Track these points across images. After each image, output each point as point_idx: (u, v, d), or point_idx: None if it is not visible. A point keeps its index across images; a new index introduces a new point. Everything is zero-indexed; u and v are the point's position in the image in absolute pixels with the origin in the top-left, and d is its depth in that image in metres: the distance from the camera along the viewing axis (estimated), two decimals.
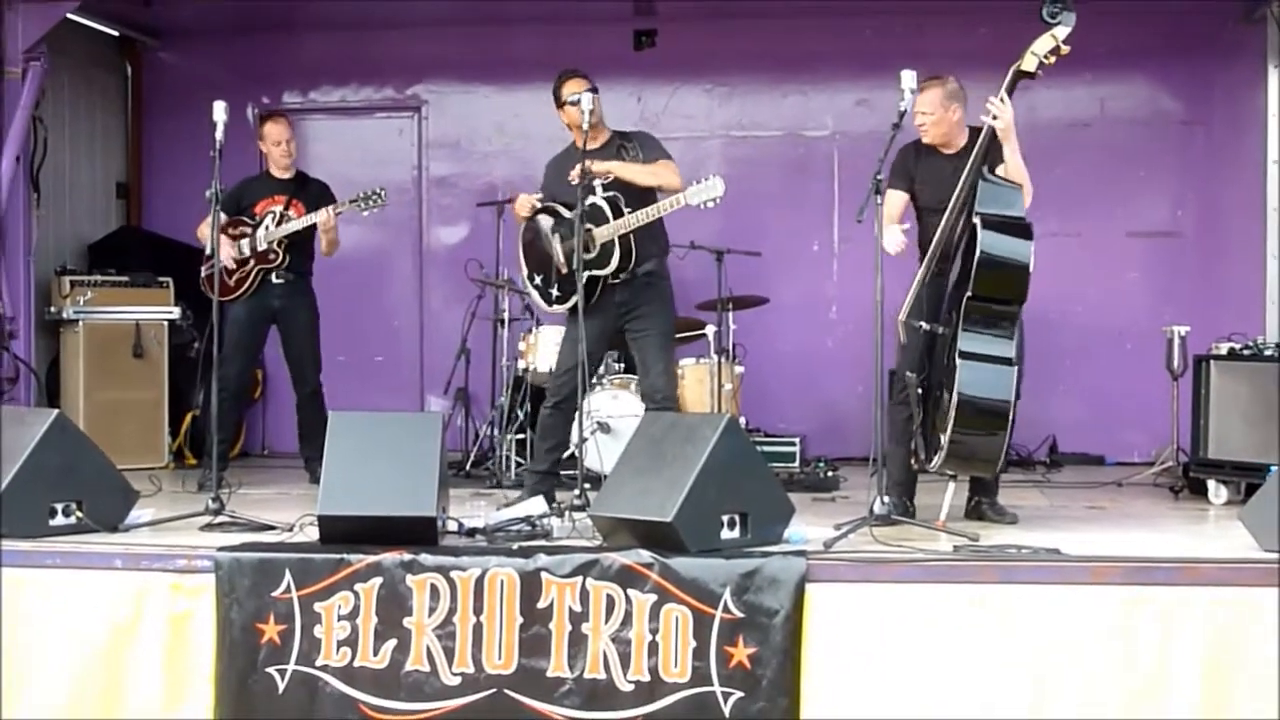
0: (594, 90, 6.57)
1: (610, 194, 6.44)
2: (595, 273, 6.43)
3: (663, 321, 6.60)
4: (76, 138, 9.44)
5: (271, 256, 7.75)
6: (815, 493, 7.44)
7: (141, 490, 6.35)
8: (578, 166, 6.35)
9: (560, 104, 6.61)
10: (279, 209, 7.81)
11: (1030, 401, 8.64)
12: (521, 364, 8.12)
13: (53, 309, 8.76)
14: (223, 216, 7.57)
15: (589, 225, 6.39)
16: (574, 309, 6.42)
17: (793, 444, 8.38)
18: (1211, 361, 7.33)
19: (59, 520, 5.69)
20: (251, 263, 7.77)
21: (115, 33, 9.77)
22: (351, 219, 8.46)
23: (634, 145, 6.59)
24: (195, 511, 6.05)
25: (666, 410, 6.30)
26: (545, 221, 6.70)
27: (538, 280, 6.77)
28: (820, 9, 9.19)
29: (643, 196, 6.42)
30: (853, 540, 5.36)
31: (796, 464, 8.19)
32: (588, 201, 6.37)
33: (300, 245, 7.84)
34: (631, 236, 6.42)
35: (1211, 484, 7.14)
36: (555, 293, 6.69)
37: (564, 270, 6.61)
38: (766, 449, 8.10)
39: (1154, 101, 9.38)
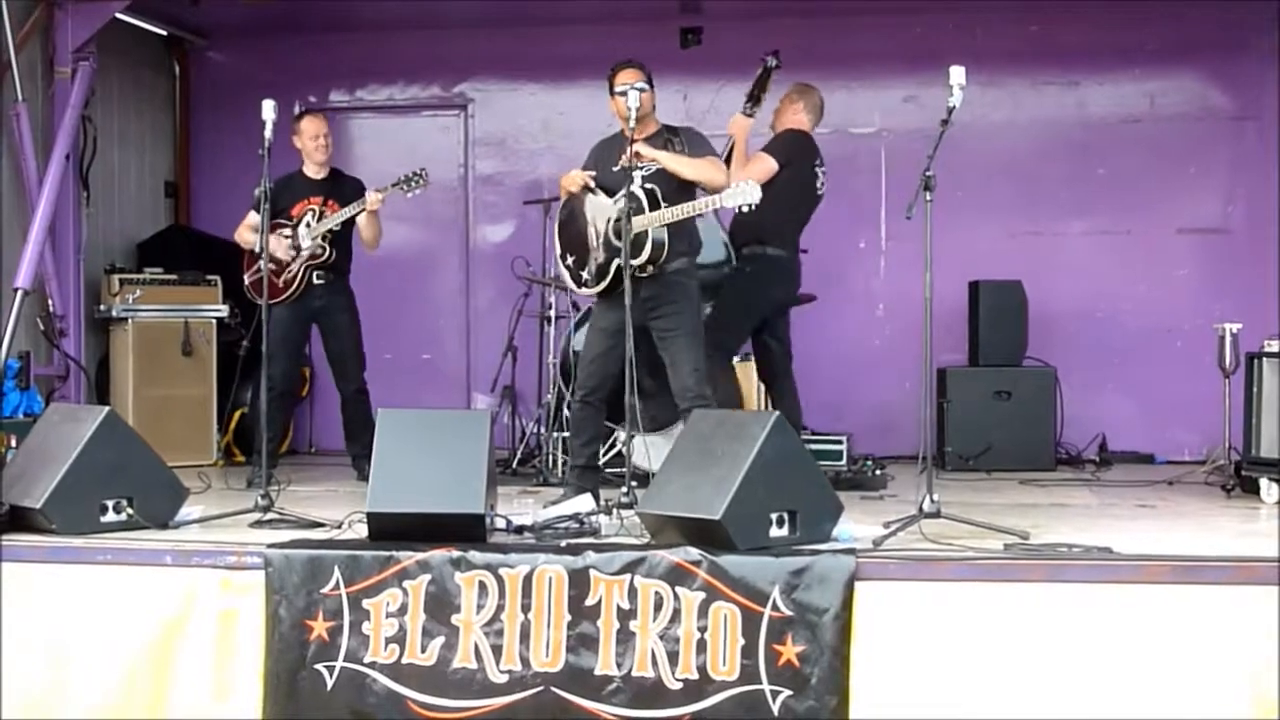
0: (649, 81, 6.50)
1: (649, 186, 6.35)
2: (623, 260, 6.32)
3: (690, 320, 6.51)
4: (125, 137, 9.52)
5: (319, 252, 7.76)
6: (863, 491, 7.39)
7: (191, 487, 6.38)
8: (629, 149, 6.28)
9: (612, 92, 6.55)
10: (316, 208, 7.80)
11: (1080, 399, 8.71)
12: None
13: (102, 307, 8.83)
14: (255, 218, 7.63)
15: (630, 210, 6.24)
16: (603, 295, 6.49)
17: (840, 442, 8.31)
18: (1264, 359, 7.24)
19: (110, 517, 5.74)
20: (298, 261, 7.79)
21: (164, 32, 9.85)
22: (397, 217, 8.51)
23: (681, 140, 6.52)
24: (244, 509, 6.07)
25: (700, 409, 6.22)
26: (584, 201, 6.66)
27: (569, 261, 6.71)
28: (867, 6, 9.16)
29: (681, 192, 6.35)
30: (902, 538, 5.31)
31: (844, 462, 8.14)
32: (628, 189, 6.26)
33: (341, 243, 7.84)
34: (666, 231, 6.33)
35: (1264, 482, 7.05)
36: (586, 275, 6.62)
37: (599, 257, 6.56)
38: (814, 447, 8.03)
39: (1204, 97, 9.30)
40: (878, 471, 7.75)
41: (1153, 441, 9.01)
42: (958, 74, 5.62)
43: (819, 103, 7.69)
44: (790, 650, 4.88)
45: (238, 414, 9.01)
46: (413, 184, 7.62)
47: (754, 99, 7.50)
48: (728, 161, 7.13)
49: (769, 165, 7.24)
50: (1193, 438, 8.78)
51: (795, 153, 7.38)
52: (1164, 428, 9.04)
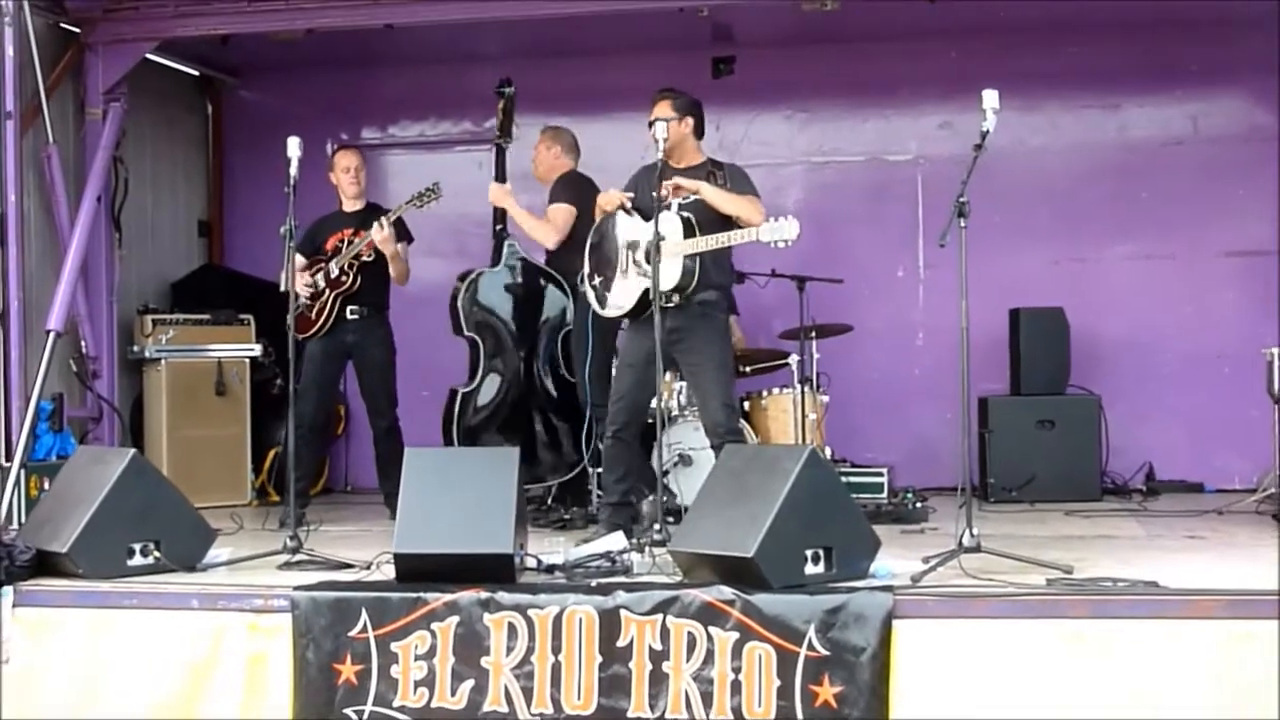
0: (692, 110, 6.53)
1: (685, 215, 6.31)
2: (650, 285, 6.23)
3: (717, 354, 6.43)
4: (158, 177, 9.50)
5: (344, 279, 7.71)
6: (903, 524, 7.27)
7: (223, 528, 6.35)
8: (669, 181, 6.25)
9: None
10: (347, 238, 7.78)
11: (1126, 427, 8.53)
12: None
13: (136, 348, 8.80)
14: (302, 260, 7.62)
15: (662, 236, 6.20)
16: (630, 320, 6.50)
17: (880, 474, 8.21)
18: None
19: (137, 560, 5.72)
20: (327, 292, 7.74)
21: (195, 72, 9.86)
22: (433, 252, 8.47)
23: (724, 175, 6.49)
24: (273, 550, 6.02)
25: (731, 444, 6.12)
26: (618, 223, 6.59)
27: (596, 281, 6.66)
28: (901, 33, 9.06)
29: (717, 224, 6.28)
30: (941, 574, 5.20)
31: (884, 495, 8.02)
32: (663, 215, 6.23)
33: (373, 275, 7.77)
34: (698, 260, 6.27)
35: None
36: (611, 298, 6.57)
37: (625, 277, 6.50)
38: (853, 480, 7.94)
39: (1249, 116, 9.12)
40: (919, 504, 7.62)
41: (1202, 470, 8.82)
42: (991, 97, 5.52)
43: (572, 141, 7.95)
44: (827, 691, 4.79)
45: (272, 453, 8.99)
46: (425, 199, 7.62)
47: (504, 130, 8.02)
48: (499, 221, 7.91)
49: (568, 212, 7.55)
50: (1243, 465, 8.59)
51: (581, 192, 7.54)
52: (1213, 456, 8.85)
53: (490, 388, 7.94)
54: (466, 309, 7.93)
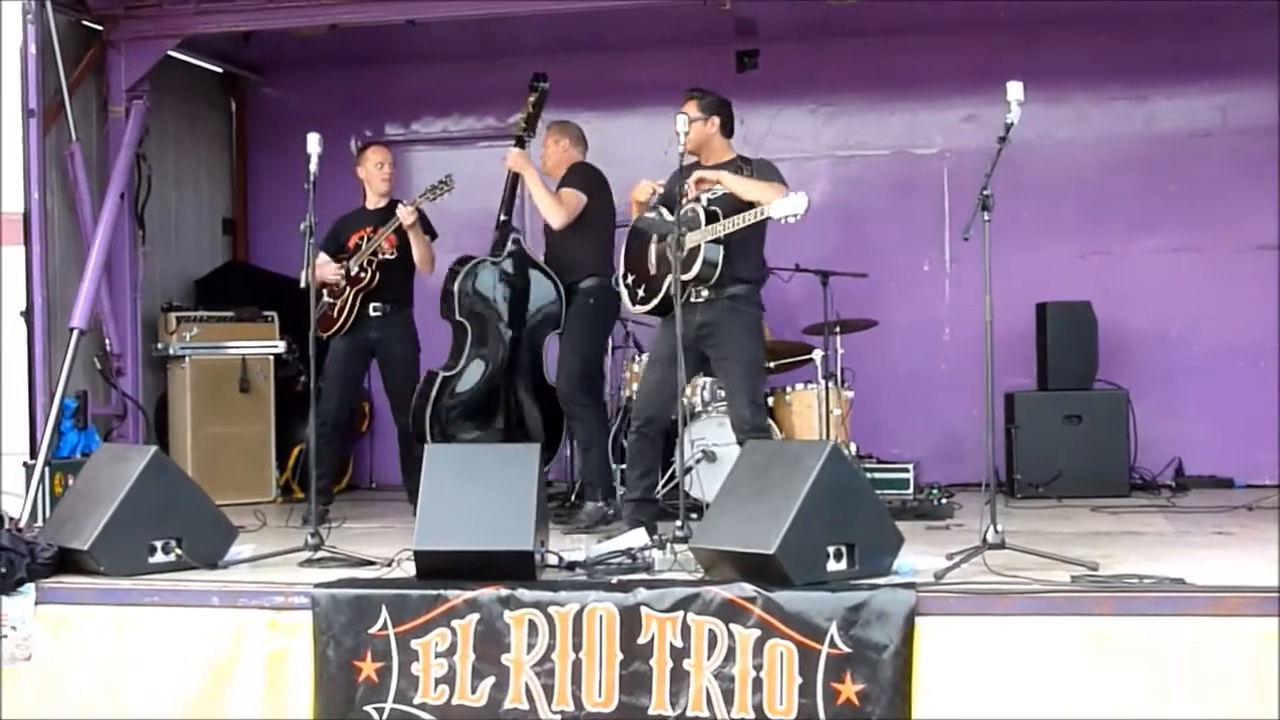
0: (718, 110, 6.54)
1: (712, 209, 6.28)
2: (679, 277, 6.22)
3: (745, 350, 6.38)
4: (182, 174, 9.52)
5: (361, 276, 7.72)
6: (928, 521, 7.22)
7: (246, 525, 6.31)
8: (693, 175, 6.30)
9: None
10: (368, 235, 7.80)
11: (1154, 422, 8.46)
12: (626, 393, 8.00)
13: (160, 345, 8.82)
14: (326, 258, 7.62)
15: (683, 229, 6.21)
16: (660, 316, 6.49)
17: (906, 470, 8.17)
18: None
19: (158, 558, 5.71)
20: (347, 289, 7.74)
21: (218, 69, 9.88)
22: (458, 248, 8.42)
23: (751, 169, 6.47)
24: (294, 547, 6.01)
25: (755, 440, 6.08)
26: (649, 221, 6.60)
27: (630, 280, 6.67)
28: (926, 24, 9.00)
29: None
30: (965, 571, 5.14)
31: (910, 491, 7.97)
32: (686, 206, 6.24)
33: (394, 271, 7.79)
34: (721, 251, 6.24)
35: None
36: (642, 293, 6.58)
37: (653, 272, 6.51)
38: (878, 476, 7.91)
39: (1277, 108, 9.02)
40: (944, 500, 7.57)
41: (1232, 465, 8.73)
42: (1015, 89, 5.47)
43: (579, 133, 7.90)
44: (849, 689, 4.75)
45: (296, 450, 8.98)
46: (438, 191, 7.68)
47: (529, 124, 7.98)
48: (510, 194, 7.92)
49: (580, 198, 7.46)
50: (1274, 461, 8.52)
51: (592, 183, 7.55)
52: (1244, 450, 8.76)
53: (471, 375, 7.83)
54: (462, 294, 7.86)
